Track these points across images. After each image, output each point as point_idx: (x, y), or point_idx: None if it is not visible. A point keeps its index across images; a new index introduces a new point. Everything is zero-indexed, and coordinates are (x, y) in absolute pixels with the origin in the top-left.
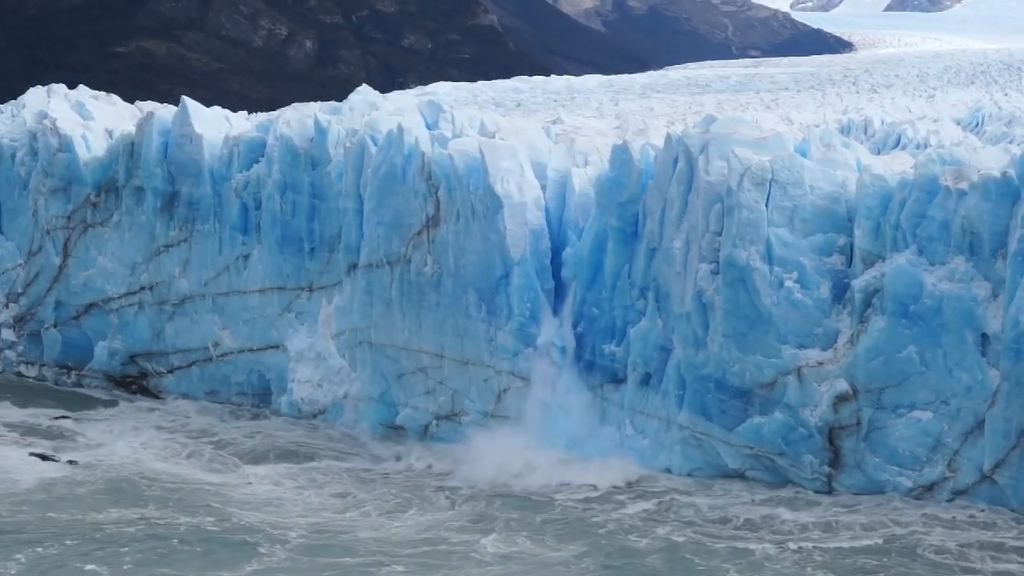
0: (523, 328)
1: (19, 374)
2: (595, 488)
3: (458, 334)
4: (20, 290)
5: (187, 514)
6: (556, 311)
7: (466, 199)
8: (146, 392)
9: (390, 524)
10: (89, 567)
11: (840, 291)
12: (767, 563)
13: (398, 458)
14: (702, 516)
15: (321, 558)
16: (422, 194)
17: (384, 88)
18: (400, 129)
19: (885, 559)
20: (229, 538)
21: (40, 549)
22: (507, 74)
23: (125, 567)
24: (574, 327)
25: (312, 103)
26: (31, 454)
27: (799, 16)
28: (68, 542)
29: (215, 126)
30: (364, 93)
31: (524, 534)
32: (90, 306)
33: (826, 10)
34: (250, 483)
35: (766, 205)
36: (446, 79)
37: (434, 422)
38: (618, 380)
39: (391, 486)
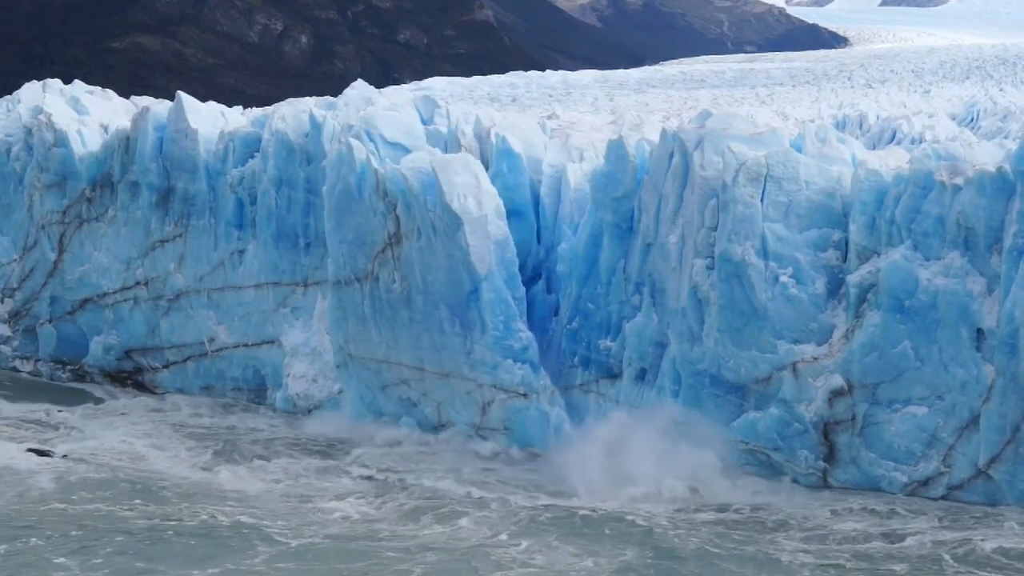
0: (499, 341)
1: (14, 369)
2: (598, 487)
3: (435, 348)
4: (15, 285)
5: (176, 509)
6: (553, 309)
7: (425, 216)
8: (141, 387)
9: (392, 526)
10: (59, 560)
11: (835, 286)
12: (795, 565)
13: (394, 456)
14: (709, 514)
15: (317, 563)
16: (381, 212)
17: (379, 83)
18: (349, 147)
19: (886, 557)
20: (214, 534)
21: (24, 542)
22: (502, 69)
23: (97, 560)
24: (569, 322)
25: (307, 98)
26: (27, 449)
27: (794, 11)
28: (51, 535)
29: (210, 121)
30: (359, 88)
31: (550, 539)
32: (85, 301)
33: (821, 5)
34: (243, 479)
35: (761, 200)
36: (441, 74)
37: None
38: (613, 375)
39: (391, 486)
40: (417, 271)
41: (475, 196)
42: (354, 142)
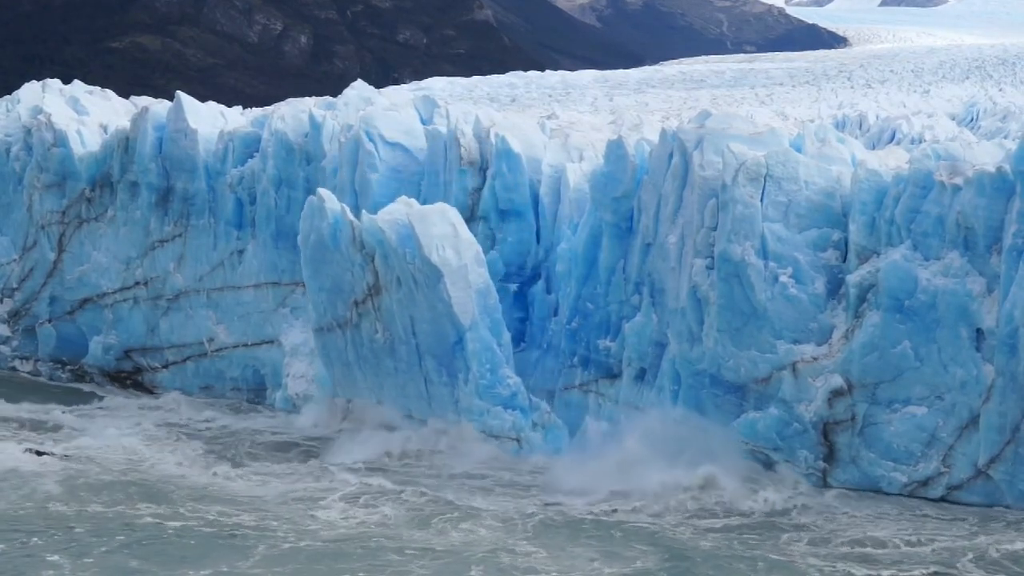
0: (487, 389)
1: (13, 369)
2: (600, 492)
3: (422, 398)
4: (15, 285)
5: (174, 510)
6: (552, 309)
7: (405, 269)
8: (140, 387)
9: (395, 529)
10: (53, 558)
11: (835, 286)
12: (806, 568)
13: (400, 458)
14: (714, 516)
15: (314, 565)
16: (358, 264)
17: (379, 83)
18: (320, 199)
19: (895, 562)
20: (212, 535)
21: (20, 541)
22: (502, 69)
23: (89, 560)
24: (568, 322)
25: (307, 98)
26: (25, 449)
27: (794, 11)
28: (48, 534)
29: (210, 121)
30: (359, 88)
31: (561, 543)
32: (85, 301)
33: (821, 5)
34: (242, 480)
35: (761, 200)
36: (441, 74)
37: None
38: (613, 375)
39: (394, 488)
40: (399, 322)
41: (453, 246)
42: (325, 193)
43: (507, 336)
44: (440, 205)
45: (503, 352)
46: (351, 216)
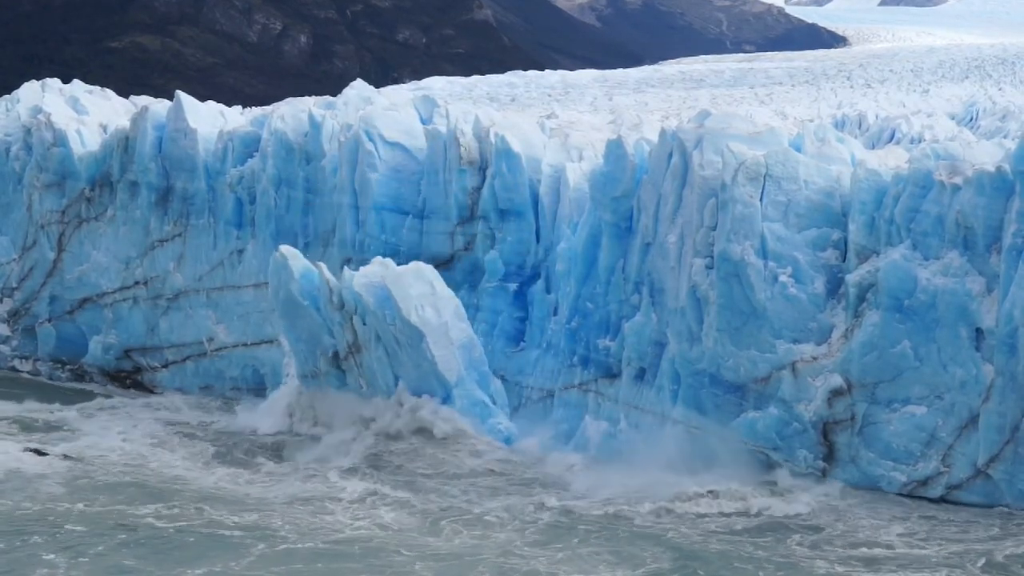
0: (485, 435)
1: (13, 369)
2: (600, 492)
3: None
4: (14, 285)
5: (173, 509)
6: (552, 309)
7: (385, 330)
8: (140, 387)
9: (397, 532)
10: (49, 556)
11: (834, 286)
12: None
13: (399, 458)
14: (717, 516)
15: (313, 566)
16: (337, 322)
17: (378, 83)
18: (283, 255)
19: (900, 566)
20: (210, 535)
21: (18, 540)
22: (501, 69)
23: (84, 559)
24: (568, 322)
25: (306, 98)
26: (25, 449)
27: (793, 11)
28: (46, 533)
29: (209, 121)
30: (358, 88)
31: (571, 545)
32: (84, 301)
33: (820, 5)
34: (241, 479)
35: (760, 200)
36: (441, 74)
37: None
38: (612, 375)
39: (396, 489)
40: (380, 380)
41: (432, 305)
42: (288, 250)
43: (498, 384)
44: (415, 265)
45: (494, 400)
46: (328, 275)
